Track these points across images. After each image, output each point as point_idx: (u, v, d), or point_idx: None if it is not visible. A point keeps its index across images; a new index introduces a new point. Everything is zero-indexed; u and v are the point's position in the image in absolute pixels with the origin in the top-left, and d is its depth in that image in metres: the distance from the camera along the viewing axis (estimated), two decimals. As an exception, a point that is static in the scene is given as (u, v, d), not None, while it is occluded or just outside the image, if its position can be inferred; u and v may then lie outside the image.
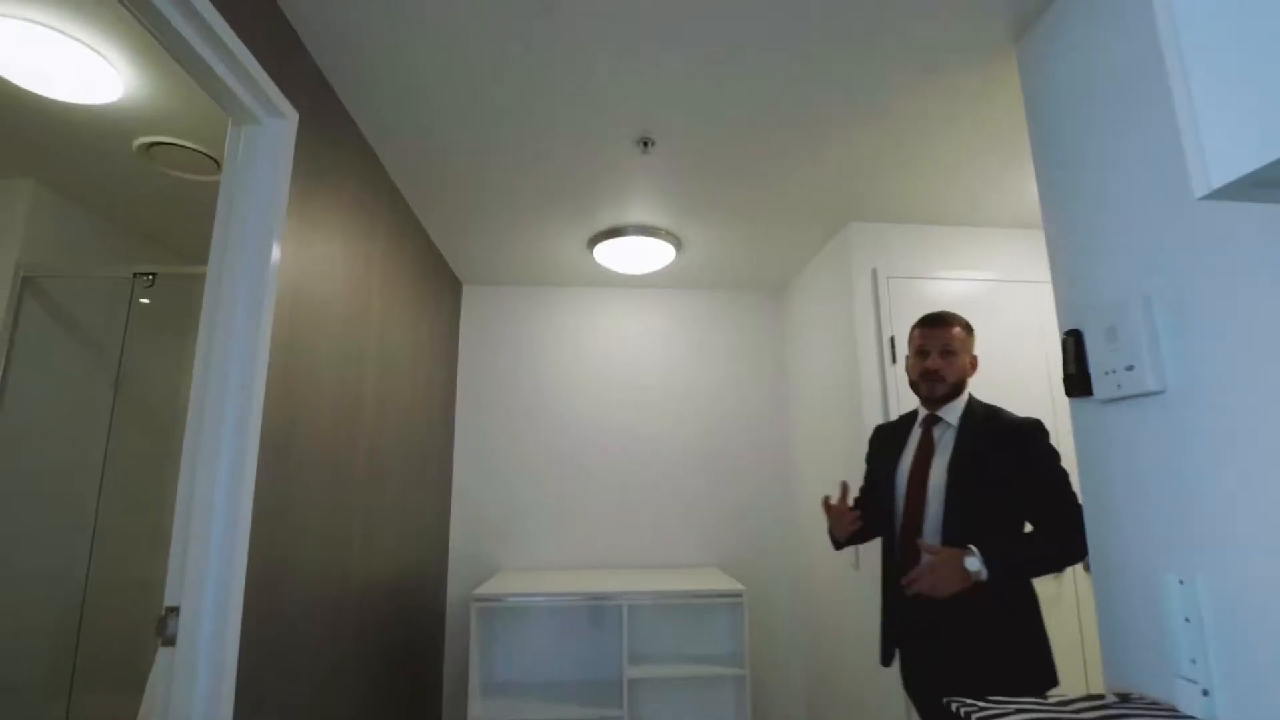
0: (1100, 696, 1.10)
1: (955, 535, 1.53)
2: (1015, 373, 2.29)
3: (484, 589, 2.44)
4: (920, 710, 1.64)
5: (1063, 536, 1.42)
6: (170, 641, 1.16)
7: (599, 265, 2.86)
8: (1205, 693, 0.97)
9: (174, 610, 1.17)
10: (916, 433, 1.71)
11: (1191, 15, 0.70)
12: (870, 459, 1.85)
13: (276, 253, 1.35)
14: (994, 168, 2.03)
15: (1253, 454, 0.92)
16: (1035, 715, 0.99)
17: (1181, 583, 1.01)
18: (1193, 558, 1.01)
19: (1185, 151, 0.68)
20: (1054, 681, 1.47)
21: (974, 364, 1.69)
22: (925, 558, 1.51)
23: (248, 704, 1.27)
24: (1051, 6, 1.36)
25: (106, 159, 1.99)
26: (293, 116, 1.41)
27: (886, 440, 1.79)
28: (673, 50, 1.50)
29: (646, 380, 3.19)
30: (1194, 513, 1.01)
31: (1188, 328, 1.03)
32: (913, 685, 1.64)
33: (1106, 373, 1.16)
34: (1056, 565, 1.52)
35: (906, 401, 2.33)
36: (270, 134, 1.36)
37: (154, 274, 2.20)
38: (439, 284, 2.79)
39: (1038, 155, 1.42)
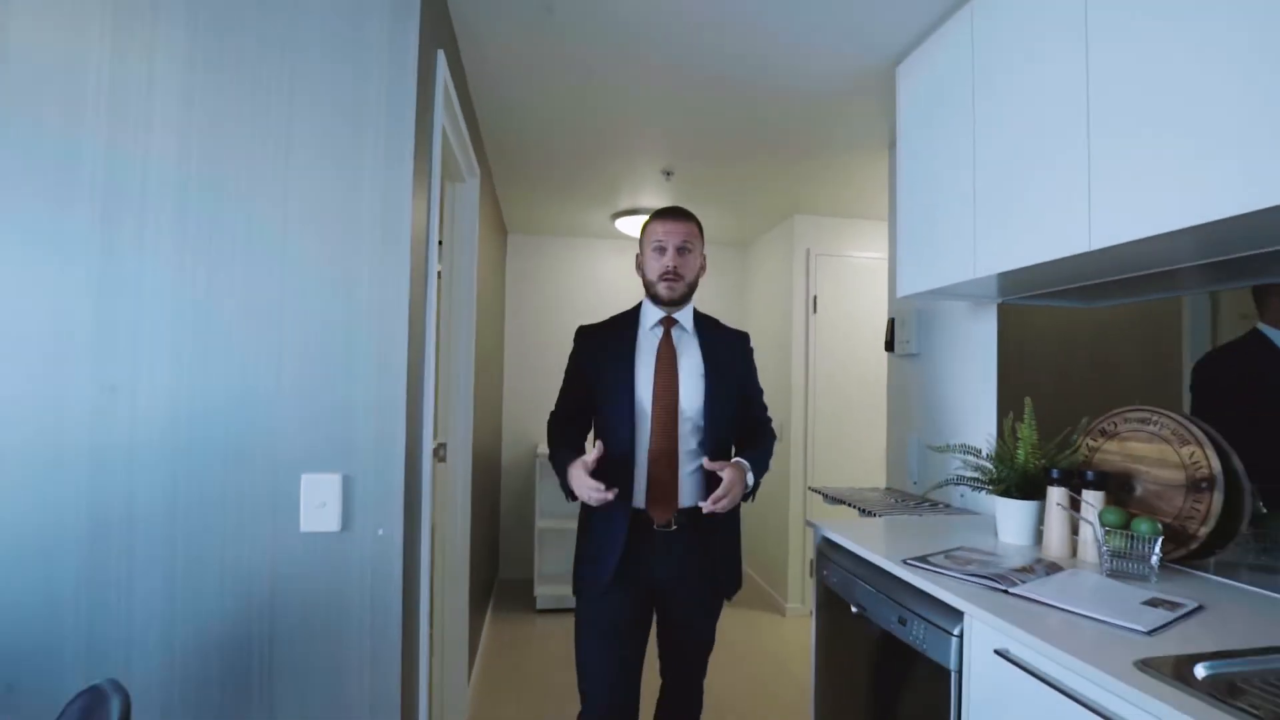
0: (878, 488, 2.43)
1: (715, 440, 1.56)
2: (890, 322, 3.55)
3: (540, 450, 3.69)
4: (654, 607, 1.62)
5: (768, 430, 1.71)
6: (443, 459, 2.34)
7: (616, 229, 3.92)
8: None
9: (443, 445, 2.34)
10: (652, 337, 1.61)
11: (905, 189, 1.86)
12: (584, 363, 1.67)
13: (476, 241, 2.42)
14: (878, 190, 3.17)
15: (935, 385, 2.20)
16: (853, 492, 2.30)
17: (916, 438, 2.32)
18: (918, 425, 2.31)
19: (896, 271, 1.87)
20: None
21: (703, 266, 1.65)
22: (687, 467, 1.53)
23: (473, 499, 2.48)
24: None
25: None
26: (478, 175, 2.42)
27: (604, 345, 1.64)
28: (693, 112, 2.57)
29: (643, 310, 4.35)
30: (924, 413, 2.30)
31: (929, 327, 2.27)
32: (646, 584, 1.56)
33: (900, 342, 2.41)
34: (770, 455, 1.68)
35: (825, 345, 3.57)
36: (470, 188, 2.39)
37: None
38: (498, 231, 3.81)
39: (891, 213, 2.59)
